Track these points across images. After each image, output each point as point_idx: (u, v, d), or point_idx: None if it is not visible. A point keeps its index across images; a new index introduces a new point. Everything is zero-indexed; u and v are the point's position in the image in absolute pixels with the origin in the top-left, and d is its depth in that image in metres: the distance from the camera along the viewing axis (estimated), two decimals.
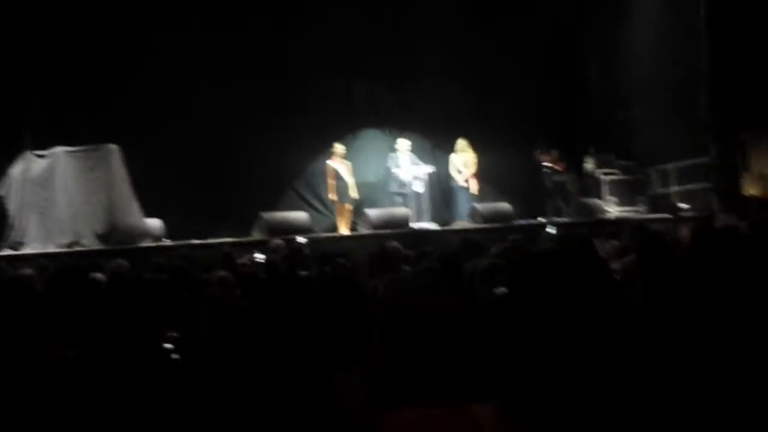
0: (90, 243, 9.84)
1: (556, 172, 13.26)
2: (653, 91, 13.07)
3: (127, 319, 2.98)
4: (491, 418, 1.66)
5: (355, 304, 2.35)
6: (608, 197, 13.11)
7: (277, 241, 8.68)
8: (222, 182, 12.25)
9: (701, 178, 12.30)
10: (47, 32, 11.35)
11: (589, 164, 13.43)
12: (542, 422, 1.75)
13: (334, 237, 11.49)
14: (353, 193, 12.21)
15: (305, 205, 13.05)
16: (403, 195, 12.23)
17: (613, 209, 12.96)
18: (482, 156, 12.77)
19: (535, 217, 12.82)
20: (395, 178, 12.32)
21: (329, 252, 7.04)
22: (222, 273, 5.76)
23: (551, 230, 9.14)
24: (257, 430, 2.44)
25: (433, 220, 12.38)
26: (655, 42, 13.04)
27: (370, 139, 13.89)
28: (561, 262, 3.29)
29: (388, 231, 10.66)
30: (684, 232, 4.84)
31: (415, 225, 11.62)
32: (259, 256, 7.70)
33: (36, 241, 10.17)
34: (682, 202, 12.24)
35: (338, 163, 12.20)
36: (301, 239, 9.10)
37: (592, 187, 13.34)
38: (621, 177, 13.39)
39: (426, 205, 12.26)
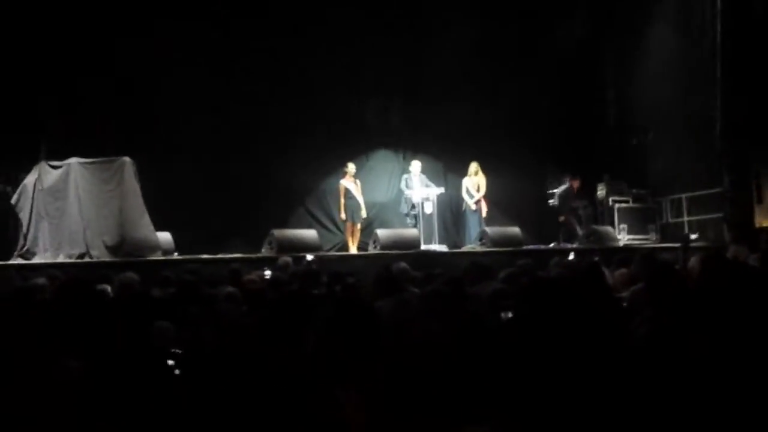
0: (100, 254, 9.87)
1: (572, 194, 13.19)
2: (667, 119, 13.07)
3: (132, 331, 2.99)
4: None
5: (364, 327, 2.34)
6: (619, 225, 13.08)
7: (285, 259, 8.68)
8: (234, 198, 12.31)
9: (714, 209, 12.25)
10: (64, 45, 11.47)
11: (601, 191, 13.41)
12: None
13: (342, 256, 11.48)
14: (363, 213, 12.25)
15: (315, 223, 13.08)
16: (414, 216, 12.23)
17: (623, 237, 12.92)
18: (494, 180, 12.77)
19: (545, 243, 12.80)
20: (406, 199, 12.35)
21: (339, 271, 7.03)
22: (229, 288, 5.78)
23: (571, 257, 9.09)
24: None
25: (443, 242, 12.37)
26: (670, 70, 13.05)
27: (383, 159, 13.93)
28: (568, 290, 3.28)
29: (396, 251, 10.64)
30: (693, 262, 4.81)
31: (425, 247, 11.60)
32: (268, 273, 7.72)
33: (47, 251, 10.22)
34: (693, 232, 12.19)
35: (350, 182, 12.24)
36: (308, 257, 9.10)
37: (604, 214, 13.30)
38: (633, 205, 13.37)
39: (436, 227, 12.26)
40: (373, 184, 13.27)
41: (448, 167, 13.73)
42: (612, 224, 13.01)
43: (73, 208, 10.18)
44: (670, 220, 13.31)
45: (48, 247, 10.28)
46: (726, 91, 11.79)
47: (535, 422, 1.93)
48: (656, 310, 3.39)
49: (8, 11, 11.09)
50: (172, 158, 11.80)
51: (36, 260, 10.02)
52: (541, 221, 13.44)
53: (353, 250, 12.01)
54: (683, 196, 12.97)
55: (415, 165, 12.54)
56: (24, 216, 10.43)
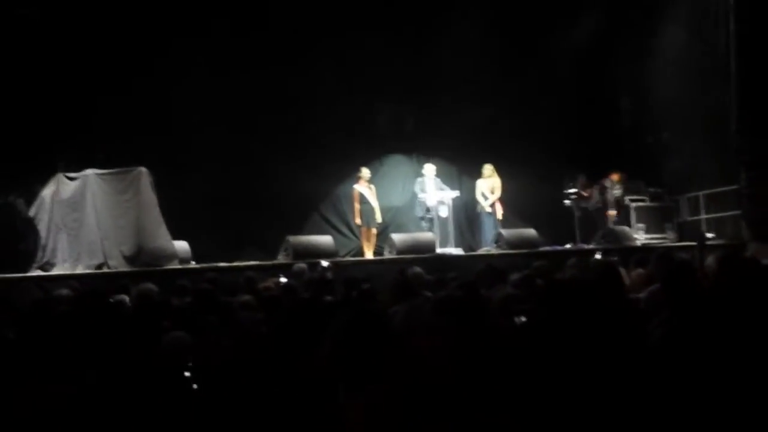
0: (118, 264, 9.95)
1: (582, 198, 13.16)
2: (683, 117, 12.99)
3: (146, 343, 3.00)
4: None
5: (377, 333, 2.34)
6: (636, 224, 12.99)
7: (300, 265, 8.70)
8: (249, 206, 12.35)
9: (731, 206, 12.16)
10: (79, 57, 11.56)
11: (617, 190, 13.31)
12: None
13: (358, 261, 11.50)
14: (378, 218, 12.25)
15: (331, 228, 13.10)
16: (429, 220, 12.22)
17: (641, 236, 12.83)
18: (508, 182, 12.73)
19: (561, 244, 12.74)
20: (421, 203, 12.33)
21: (356, 277, 7.03)
22: (245, 296, 5.80)
23: (598, 256, 9.03)
24: None
25: (459, 245, 12.34)
26: (684, 68, 12.96)
27: (397, 164, 13.94)
28: (586, 292, 3.26)
29: (412, 256, 10.64)
30: (710, 261, 4.76)
31: (441, 250, 11.58)
32: (284, 280, 7.74)
33: (65, 262, 10.32)
34: (711, 229, 12.09)
35: (364, 187, 12.25)
36: (324, 263, 9.12)
37: (622, 214, 13.21)
38: (650, 204, 13.28)
39: (452, 230, 12.23)
40: (388, 189, 13.26)
41: (462, 170, 13.71)
42: (629, 223, 12.93)
43: (90, 219, 10.27)
44: (688, 218, 13.21)
45: (67, 258, 10.37)
46: (741, 88, 11.71)
47: (548, 426, 1.92)
48: (672, 311, 3.36)
49: (24, 25, 11.20)
50: (188, 167, 11.86)
51: (55, 271, 10.11)
52: (556, 222, 13.37)
53: (369, 255, 12.01)
54: (700, 194, 12.88)
55: (429, 168, 12.53)
56: (42, 228, 10.52)
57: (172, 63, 12.00)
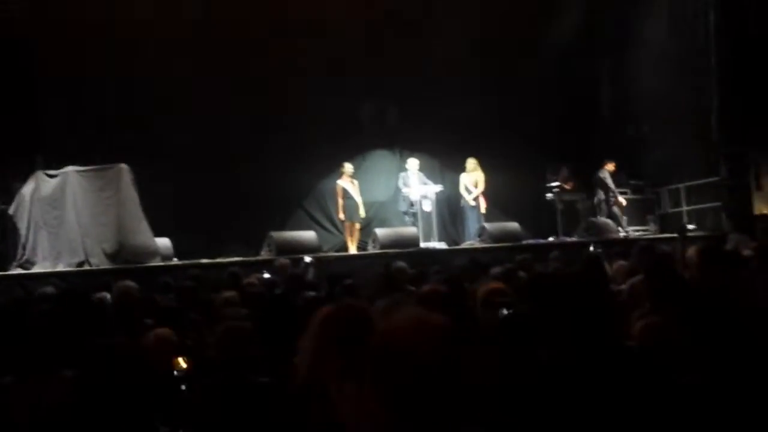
0: (99, 262, 9.86)
1: (565, 191, 13.22)
2: (664, 109, 13.06)
3: (129, 340, 2.98)
4: None
5: (361, 331, 2.33)
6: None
7: (282, 261, 8.68)
8: (231, 202, 12.28)
9: (712, 198, 12.25)
10: (60, 53, 11.45)
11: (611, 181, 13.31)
12: None
13: (342, 256, 11.48)
14: (362, 212, 12.24)
15: (314, 224, 13.07)
16: (412, 214, 12.22)
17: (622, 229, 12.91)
18: (491, 175, 12.75)
19: (544, 237, 12.79)
20: (404, 197, 12.34)
21: (338, 273, 7.03)
22: (228, 293, 5.78)
23: (592, 248, 9.05)
24: None
25: (443, 239, 12.36)
26: (665, 61, 13.04)
27: (380, 159, 13.93)
28: (568, 285, 3.27)
29: (396, 250, 10.64)
30: (691, 252, 4.80)
31: (424, 244, 11.60)
32: (267, 276, 7.73)
33: (46, 260, 10.22)
34: (692, 221, 12.19)
35: (347, 182, 12.23)
36: (307, 258, 9.10)
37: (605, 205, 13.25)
38: (631, 196, 13.36)
39: (435, 224, 12.25)
40: (371, 184, 13.25)
41: (445, 164, 13.72)
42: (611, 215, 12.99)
43: (70, 216, 10.17)
44: (669, 210, 13.31)
45: (47, 256, 10.27)
46: (721, 80, 11.79)
47: (529, 423, 1.92)
48: (653, 303, 3.39)
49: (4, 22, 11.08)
50: (169, 164, 11.76)
51: (35, 269, 10.02)
52: (539, 216, 13.42)
53: (353, 250, 12.00)
54: (681, 185, 12.97)
55: (412, 163, 12.53)
56: (22, 226, 10.42)
57: (153, 58, 11.91)
